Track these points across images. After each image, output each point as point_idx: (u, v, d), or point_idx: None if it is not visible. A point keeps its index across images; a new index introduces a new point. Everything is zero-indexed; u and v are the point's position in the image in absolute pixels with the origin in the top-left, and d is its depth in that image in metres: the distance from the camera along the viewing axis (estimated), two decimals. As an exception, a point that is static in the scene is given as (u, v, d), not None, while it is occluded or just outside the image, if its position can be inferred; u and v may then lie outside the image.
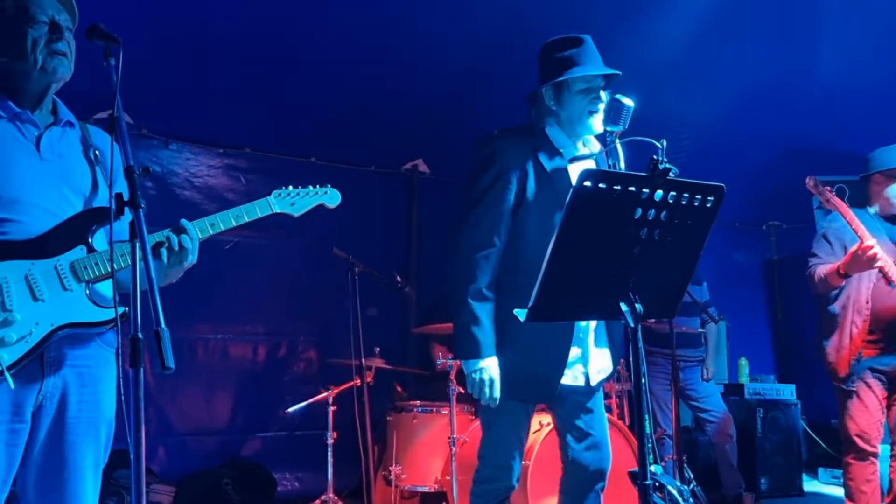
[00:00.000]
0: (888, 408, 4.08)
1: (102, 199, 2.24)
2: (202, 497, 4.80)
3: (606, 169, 2.84)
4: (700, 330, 5.56)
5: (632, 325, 2.07)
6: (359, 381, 4.27)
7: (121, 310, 2.10)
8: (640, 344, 2.09)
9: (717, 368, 5.70)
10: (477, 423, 4.35)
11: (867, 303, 4.01)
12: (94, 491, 2.20)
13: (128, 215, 1.90)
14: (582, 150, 2.82)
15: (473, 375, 2.61)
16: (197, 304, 4.87)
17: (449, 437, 4.11)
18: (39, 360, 2.05)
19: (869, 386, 4.02)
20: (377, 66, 4.95)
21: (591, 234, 2.01)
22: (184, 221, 2.16)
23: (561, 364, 2.67)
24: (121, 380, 1.97)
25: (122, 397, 1.95)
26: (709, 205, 2.17)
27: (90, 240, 2.13)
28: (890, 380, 4.04)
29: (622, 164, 2.64)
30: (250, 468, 5.10)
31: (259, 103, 5.16)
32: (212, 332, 5.24)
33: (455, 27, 4.74)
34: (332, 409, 4.34)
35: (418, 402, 4.56)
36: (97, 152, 2.28)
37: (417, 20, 4.64)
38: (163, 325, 1.64)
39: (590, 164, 2.82)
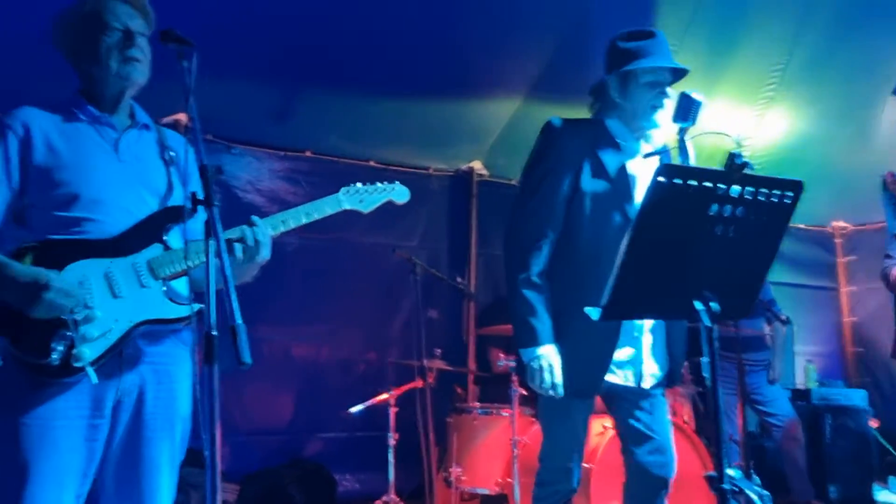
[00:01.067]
0: None
1: (177, 199, 2.29)
2: (265, 496, 4.85)
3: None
4: (765, 332, 5.43)
5: (707, 324, 2.02)
6: (421, 382, 4.27)
7: (196, 307, 2.14)
8: (716, 345, 2.04)
9: (783, 371, 5.55)
10: (537, 425, 4.33)
11: None
12: (171, 487, 2.25)
13: (202, 214, 1.95)
14: (643, 147, 2.78)
15: (532, 364, 2.59)
16: (260, 304, 4.92)
17: (511, 439, 4.08)
18: (118, 357, 2.10)
19: None
20: (430, 66, 4.95)
21: (667, 230, 1.98)
22: (255, 218, 2.20)
23: (606, 360, 2.61)
24: (197, 377, 2.01)
25: (198, 395, 1.98)
26: (787, 201, 2.11)
27: (166, 238, 2.18)
28: None
29: (692, 162, 2.58)
30: (312, 468, 5.14)
31: (319, 107, 5.22)
32: (275, 333, 5.30)
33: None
34: (393, 410, 4.35)
35: (478, 404, 4.55)
36: (172, 154, 2.33)
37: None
38: (239, 320, 1.66)
39: (651, 161, 2.77)
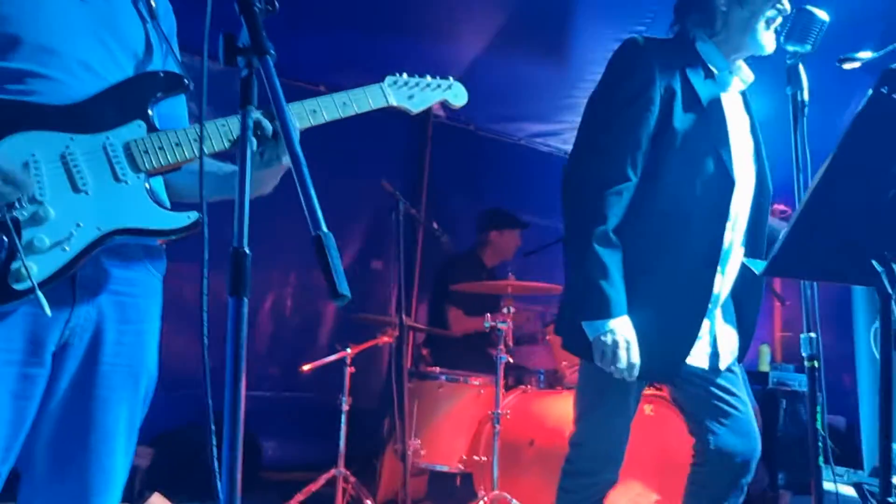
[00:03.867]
0: None
1: (159, 66, 1.62)
2: (181, 460, 4.17)
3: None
4: None
5: (888, 291, 1.55)
6: (390, 338, 3.67)
7: (194, 215, 1.49)
8: (894, 316, 1.57)
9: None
10: (512, 396, 3.84)
11: None
12: (125, 464, 1.62)
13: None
14: (734, 82, 2.30)
15: (603, 339, 2.07)
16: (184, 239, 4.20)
17: (488, 413, 3.57)
18: (70, 280, 1.43)
19: None
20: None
21: (863, 164, 1.48)
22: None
23: (691, 337, 2.17)
24: (204, 313, 1.39)
25: (205, 339, 1.38)
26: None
27: (150, 113, 1.51)
28: None
29: (806, 95, 2.11)
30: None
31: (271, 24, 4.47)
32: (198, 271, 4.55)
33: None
34: (349, 370, 3.73)
35: (439, 370, 4.00)
36: (152, 3, 1.64)
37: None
38: (325, 228, 1.06)
39: (736, 100, 2.30)
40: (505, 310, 3.70)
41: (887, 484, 1.51)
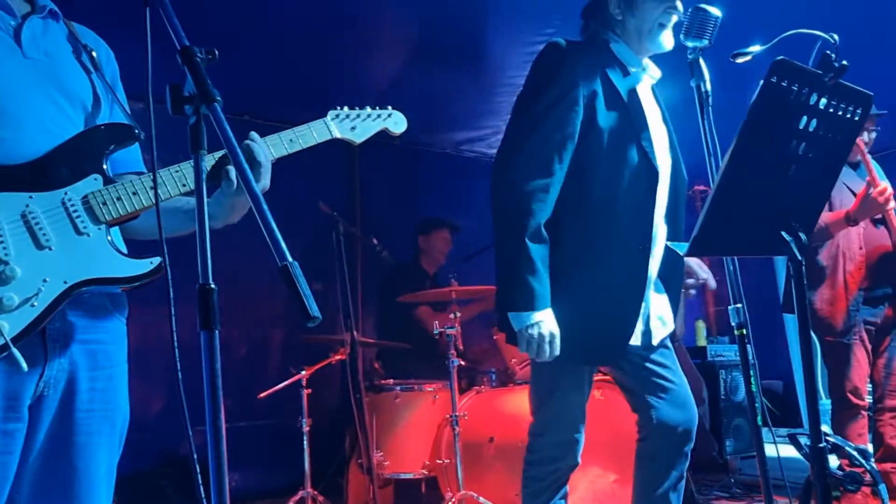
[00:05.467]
0: (873, 360, 3.99)
1: (107, 116, 1.68)
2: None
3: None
4: None
5: (798, 257, 1.72)
6: (343, 355, 3.73)
7: (156, 260, 1.56)
8: (805, 283, 1.74)
9: (684, 329, 5.53)
10: (467, 398, 3.96)
11: (860, 248, 3.87)
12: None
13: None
14: (644, 77, 2.46)
15: (529, 331, 2.19)
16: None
17: (445, 416, 3.67)
18: (41, 335, 1.49)
19: (861, 339, 3.90)
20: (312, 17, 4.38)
21: (764, 146, 1.65)
22: (253, 134, 1.66)
23: (633, 319, 2.30)
24: (176, 348, 1.45)
25: (179, 374, 1.44)
26: (856, 118, 1.85)
27: (105, 167, 1.57)
28: (877, 330, 3.94)
29: (708, 86, 2.28)
30: (190, 465, 4.44)
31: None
32: (144, 311, 4.53)
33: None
34: (306, 392, 3.78)
35: (394, 381, 4.09)
36: (94, 54, 1.70)
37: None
38: (290, 258, 1.15)
39: (647, 91, 2.46)
40: (452, 315, 3.81)
41: (817, 431, 1.67)
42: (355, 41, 4.63)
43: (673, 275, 2.46)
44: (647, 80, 2.46)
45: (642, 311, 2.35)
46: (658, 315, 2.42)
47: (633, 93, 2.35)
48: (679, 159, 2.45)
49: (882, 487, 2.29)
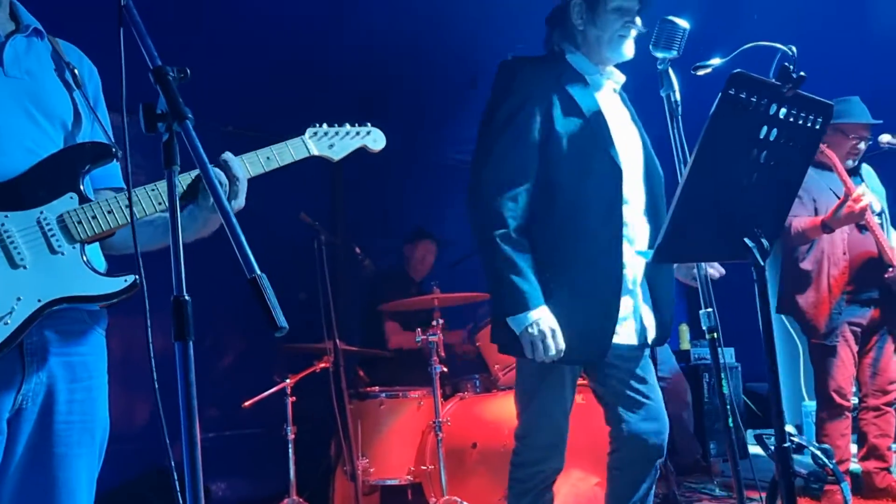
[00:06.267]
0: (859, 360, 4.06)
1: (87, 134, 1.71)
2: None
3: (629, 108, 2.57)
4: None
5: (761, 263, 1.77)
6: (327, 363, 3.76)
7: (131, 278, 1.59)
8: (768, 287, 1.79)
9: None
10: (451, 404, 3.99)
11: (844, 254, 3.95)
12: None
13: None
14: (607, 84, 2.52)
15: (530, 331, 2.24)
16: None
17: (429, 423, 3.70)
18: (18, 349, 1.51)
19: (846, 340, 3.97)
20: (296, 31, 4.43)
21: (725, 155, 1.70)
22: (228, 154, 1.69)
23: (613, 315, 2.33)
24: (152, 359, 1.48)
25: (156, 385, 1.47)
26: (817, 126, 1.90)
27: (81, 186, 1.60)
28: (863, 331, 4.01)
29: (678, 95, 2.33)
30: (177, 475, 4.45)
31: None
32: (129, 321, 4.55)
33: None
34: (290, 399, 3.81)
35: (378, 388, 4.12)
36: (76, 71, 1.73)
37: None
38: (258, 270, 1.18)
39: (613, 98, 2.52)
40: (434, 322, 3.85)
41: (781, 431, 1.72)
42: (339, 51, 4.69)
43: (661, 276, 2.48)
44: (609, 85, 2.53)
45: (633, 309, 2.38)
46: (648, 315, 2.44)
47: (591, 98, 2.41)
48: (652, 159, 2.50)
49: (844, 486, 2.34)
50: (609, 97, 2.50)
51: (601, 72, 2.51)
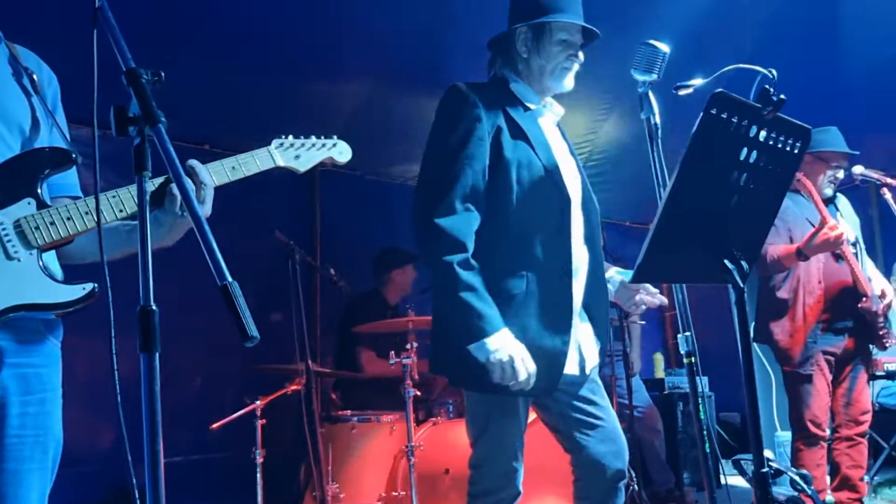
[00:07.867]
0: (833, 390, 4.06)
1: (46, 140, 1.66)
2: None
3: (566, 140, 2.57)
4: (616, 321, 5.37)
5: (741, 285, 1.75)
6: (299, 385, 3.69)
7: (89, 286, 1.54)
8: (746, 310, 1.77)
9: (641, 363, 5.56)
10: (424, 429, 3.93)
11: (819, 283, 3.97)
12: None
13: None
14: (547, 114, 2.52)
15: (496, 356, 2.14)
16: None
17: (401, 447, 3.64)
18: None
19: (821, 369, 3.97)
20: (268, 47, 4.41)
21: (706, 176, 1.68)
22: (194, 161, 1.65)
23: (564, 347, 2.29)
24: (116, 371, 1.43)
25: (118, 398, 1.42)
26: (796, 150, 1.90)
27: (39, 191, 1.55)
28: (837, 361, 4.02)
29: (657, 119, 2.32)
30: (139, 499, 4.33)
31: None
32: (93, 342, 4.45)
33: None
34: (260, 422, 3.72)
35: (350, 412, 4.05)
36: (34, 77, 1.69)
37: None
38: (229, 278, 1.14)
39: (551, 125, 2.52)
40: (408, 345, 3.80)
41: (760, 457, 1.69)
42: (316, 70, 4.67)
43: (597, 300, 2.44)
44: (550, 116, 2.52)
45: (572, 339, 2.33)
46: (586, 343, 2.41)
47: (535, 126, 2.40)
48: (589, 190, 2.49)
49: (823, 512, 2.30)
50: (551, 128, 2.50)
51: (543, 102, 2.51)
